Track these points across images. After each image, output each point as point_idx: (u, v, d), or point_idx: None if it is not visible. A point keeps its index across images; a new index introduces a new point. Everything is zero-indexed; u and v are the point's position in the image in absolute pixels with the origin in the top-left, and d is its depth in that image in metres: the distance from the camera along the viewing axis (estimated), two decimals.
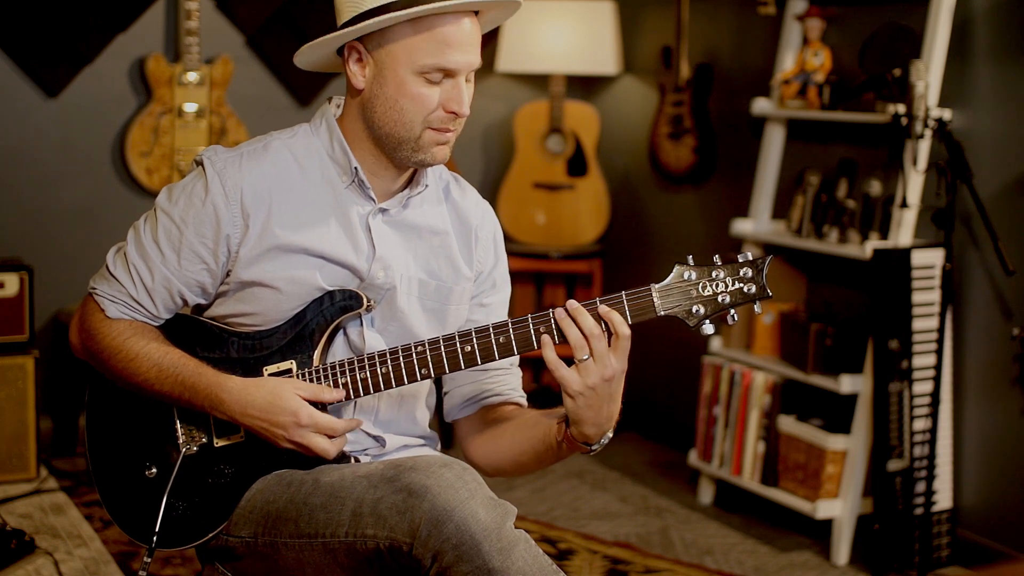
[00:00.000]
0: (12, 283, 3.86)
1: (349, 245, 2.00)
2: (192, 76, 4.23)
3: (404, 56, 1.91)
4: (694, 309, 1.86)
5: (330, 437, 1.93)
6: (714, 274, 1.87)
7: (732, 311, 1.86)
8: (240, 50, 4.43)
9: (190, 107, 4.25)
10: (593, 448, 1.93)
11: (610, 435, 1.93)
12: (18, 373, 3.85)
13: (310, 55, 2.01)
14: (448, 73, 1.92)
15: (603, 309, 1.84)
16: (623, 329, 1.84)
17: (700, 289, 1.87)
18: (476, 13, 1.96)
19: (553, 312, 1.86)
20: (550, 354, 1.85)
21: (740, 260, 1.87)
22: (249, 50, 4.45)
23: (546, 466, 2.07)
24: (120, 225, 2.23)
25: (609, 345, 1.84)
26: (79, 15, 4.17)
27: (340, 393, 1.95)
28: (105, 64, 4.25)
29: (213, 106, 4.28)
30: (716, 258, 1.88)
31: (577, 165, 4.73)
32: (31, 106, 4.19)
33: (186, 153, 4.26)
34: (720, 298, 1.86)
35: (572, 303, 1.85)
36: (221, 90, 4.30)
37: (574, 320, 1.84)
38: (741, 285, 1.86)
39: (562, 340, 1.86)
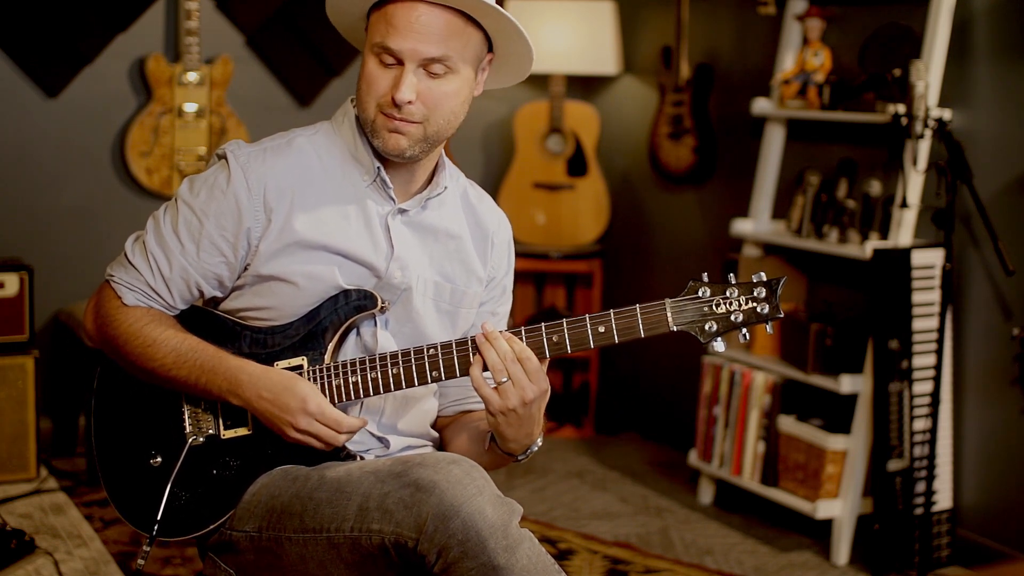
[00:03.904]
0: (12, 283, 3.86)
1: (368, 243, 2.01)
2: (192, 76, 4.23)
3: (368, 34, 1.96)
4: (707, 326, 1.90)
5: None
6: (728, 293, 1.90)
7: (743, 330, 1.89)
8: (240, 50, 4.42)
9: (190, 107, 4.25)
10: (519, 458, 2.01)
11: (538, 443, 1.99)
12: (18, 373, 3.84)
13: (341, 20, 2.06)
14: (397, 57, 1.92)
15: (506, 335, 1.88)
16: (530, 358, 1.88)
17: (713, 307, 1.90)
18: (452, 8, 1.92)
19: (475, 336, 1.90)
20: (476, 372, 1.90)
21: (754, 280, 1.90)
22: (249, 50, 4.45)
23: (487, 470, 2.13)
24: (120, 225, 2.24)
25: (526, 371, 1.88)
26: (79, 15, 4.16)
27: (347, 417, 1.96)
28: (105, 64, 4.25)
29: (213, 106, 4.28)
30: (731, 277, 1.91)
31: (577, 165, 4.73)
32: (31, 106, 4.19)
33: (186, 153, 4.26)
34: (733, 316, 1.89)
35: (487, 326, 1.89)
36: (221, 90, 4.30)
37: (491, 345, 1.88)
38: (754, 305, 1.89)
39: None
